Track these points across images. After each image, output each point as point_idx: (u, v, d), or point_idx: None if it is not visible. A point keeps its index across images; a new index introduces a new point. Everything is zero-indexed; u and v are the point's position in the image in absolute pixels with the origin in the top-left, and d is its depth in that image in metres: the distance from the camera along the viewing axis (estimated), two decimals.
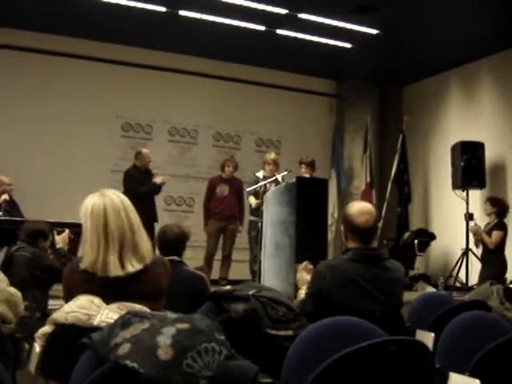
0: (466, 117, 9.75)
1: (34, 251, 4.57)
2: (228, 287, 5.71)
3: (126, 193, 2.64)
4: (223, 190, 8.32)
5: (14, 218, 7.13)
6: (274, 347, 2.59)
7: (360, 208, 3.12)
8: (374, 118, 11.02)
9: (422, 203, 10.53)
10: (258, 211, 7.55)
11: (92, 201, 2.47)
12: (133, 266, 2.39)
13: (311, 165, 7.73)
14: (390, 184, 9.92)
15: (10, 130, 8.74)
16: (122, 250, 2.40)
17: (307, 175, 7.60)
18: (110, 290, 2.35)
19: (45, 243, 4.79)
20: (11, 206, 7.54)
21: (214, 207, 8.36)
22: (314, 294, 3.03)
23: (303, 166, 7.70)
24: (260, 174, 7.96)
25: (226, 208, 8.26)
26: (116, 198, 2.49)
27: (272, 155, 8.13)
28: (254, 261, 7.76)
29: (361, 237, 3.07)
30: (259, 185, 7.62)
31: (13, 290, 2.69)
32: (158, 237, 4.12)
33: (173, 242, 4.04)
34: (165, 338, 1.75)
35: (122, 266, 2.38)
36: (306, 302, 3.08)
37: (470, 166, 8.72)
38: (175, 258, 3.91)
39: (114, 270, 2.37)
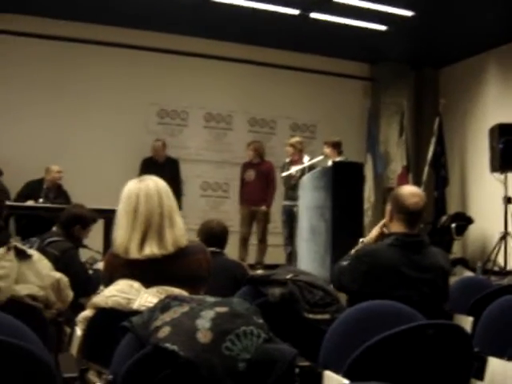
0: (503, 98, 9.58)
1: (64, 250, 4.17)
2: (260, 271, 5.78)
3: None
4: (250, 174, 8.43)
5: (49, 205, 7.22)
6: (312, 331, 2.60)
7: (412, 190, 3.17)
8: (410, 101, 10.89)
9: (460, 186, 10.41)
10: (290, 195, 7.69)
11: (129, 186, 2.54)
12: (151, 251, 2.42)
13: (334, 145, 7.52)
14: (426, 167, 9.83)
15: (46, 115, 8.87)
16: (146, 234, 2.44)
17: (331, 157, 7.36)
18: (144, 273, 2.39)
19: (82, 232, 4.51)
20: (57, 194, 7.66)
21: (244, 193, 8.50)
22: (352, 271, 3.05)
23: (325, 146, 7.60)
24: (287, 159, 8.14)
25: (253, 193, 8.31)
26: (152, 183, 2.53)
27: (291, 139, 8.33)
28: (286, 245, 7.89)
29: (408, 218, 3.07)
30: (285, 174, 7.83)
31: (58, 274, 2.72)
32: (205, 231, 4.25)
33: (219, 237, 4.23)
34: (204, 322, 1.76)
35: (141, 249, 2.42)
36: (345, 268, 3.11)
37: (508, 148, 8.57)
38: (216, 249, 4.04)
39: (132, 253, 2.42)
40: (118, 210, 2.52)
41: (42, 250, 3.98)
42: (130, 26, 9.16)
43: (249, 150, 8.49)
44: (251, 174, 8.40)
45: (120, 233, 2.47)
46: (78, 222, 4.46)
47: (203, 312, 1.81)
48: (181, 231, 2.51)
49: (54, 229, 4.47)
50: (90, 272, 4.38)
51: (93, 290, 3.47)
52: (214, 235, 4.19)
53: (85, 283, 3.92)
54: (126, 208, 2.48)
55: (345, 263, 3.16)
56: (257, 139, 9.40)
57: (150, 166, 8.32)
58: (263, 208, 8.26)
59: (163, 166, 8.50)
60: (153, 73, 9.47)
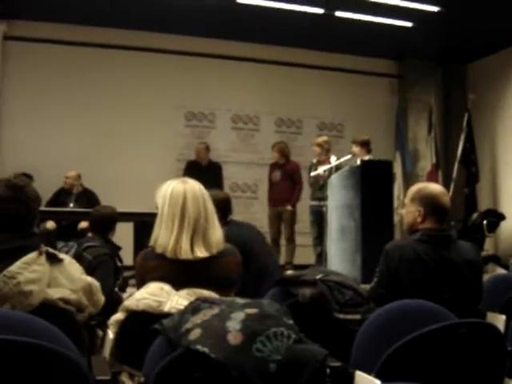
0: None
1: (97, 255, 4.13)
2: (290, 272, 5.78)
3: None
4: (276, 175, 8.48)
5: (76, 209, 7.34)
6: (342, 331, 2.59)
7: (441, 189, 3.17)
8: (438, 98, 10.79)
9: (491, 183, 10.28)
10: (317, 195, 7.69)
11: (172, 185, 2.57)
12: (201, 252, 2.46)
13: (363, 144, 7.52)
14: (456, 164, 9.73)
15: (77, 122, 8.96)
16: (194, 236, 2.48)
17: (360, 156, 7.37)
18: (181, 274, 2.43)
19: (114, 229, 4.53)
20: (77, 199, 7.76)
21: (271, 193, 8.55)
22: (384, 275, 3.01)
23: (354, 145, 7.60)
24: (315, 160, 8.13)
25: (279, 193, 8.35)
26: (197, 186, 2.58)
27: (317, 139, 8.32)
28: (315, 245, 7.89)
29: (441, 217, 3.06)
30: (313, 174, 7.83)
31: (89, 278, 2.74)
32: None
33: None
34: (234, 323, 1.77)
35: (192, 250, 2.45)
36: (378, 284, 3.05)
37: None
38: None
39: (185, 254, 2.45)
40: (160, 208, 2.55)
41: (78, 255, 4.08)
42: (156, 30, 9.20)
43: (274, 151, 8.52)
44: (277, 175, 8.44)
45: (165, 233, 2.50)
46: (112, 222, 4.50)
47: (233, 314, 1.81)
48: (220, 234, 2.57)
49: (90, 235, 4.50)
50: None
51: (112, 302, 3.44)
52: None
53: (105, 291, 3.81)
54: (172, 208, 2.51)
55: (375, 280, 3.12)
56: (284, 139, 9.39)
57: (193, 168, 8.38)
58: (288, 208, 8.27)
59: (206, 169, 8.57)
60: (179, 76, 9.51)
